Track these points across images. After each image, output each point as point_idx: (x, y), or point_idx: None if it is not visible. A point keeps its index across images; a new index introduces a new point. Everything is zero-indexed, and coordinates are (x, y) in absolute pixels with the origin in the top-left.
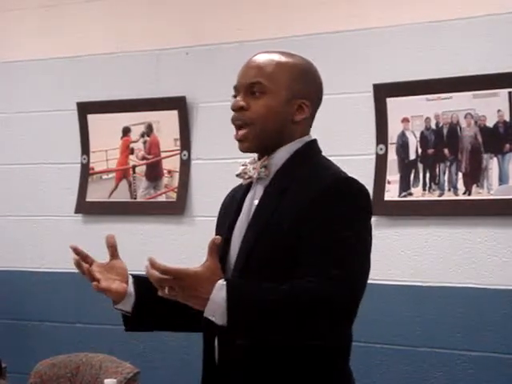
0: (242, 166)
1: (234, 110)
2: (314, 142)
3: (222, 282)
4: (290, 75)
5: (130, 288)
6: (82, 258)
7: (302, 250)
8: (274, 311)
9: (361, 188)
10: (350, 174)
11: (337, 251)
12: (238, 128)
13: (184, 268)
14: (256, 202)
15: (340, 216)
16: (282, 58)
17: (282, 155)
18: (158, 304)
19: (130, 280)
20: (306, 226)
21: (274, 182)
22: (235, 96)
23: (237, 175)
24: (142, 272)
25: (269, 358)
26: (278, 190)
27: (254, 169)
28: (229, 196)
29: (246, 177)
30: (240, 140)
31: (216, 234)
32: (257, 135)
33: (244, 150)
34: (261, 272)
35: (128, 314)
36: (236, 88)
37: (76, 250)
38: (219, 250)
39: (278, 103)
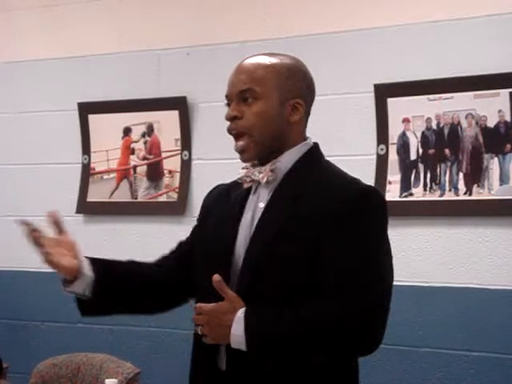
0: (243, 169)
1: (227, 120)
2: (317, 145)
3: (240, 315)
4: (279, 76)
5: (85, 269)
6: (33, 229)
7: (326, 266)
8: (292, 340)
9: (384, 199)
10: (350, 174)
11: (364, 271)
12: (236, 138)
13: (209, 304)
14: (261, 204)
15: (367, 231)
16: (269, 61)
17: (288, 159)
18: (118, 285)
19: (86, 261)
20: (331, 239)
21: (284, 186)
22: (228, 105)
23: (239, 179)
24: None
25: (279, 370)
26: (290, 196)
27: (259, 173)
28: (213, 194)
29: (249, 180)
30: (240, 152)
31: (194, 233)
32: (255, 144)
33: (245, 160)
34: (274, 275)
35: (84, 297)
36: (227, 97)
37: (24, 224)
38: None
39: (271, 107)
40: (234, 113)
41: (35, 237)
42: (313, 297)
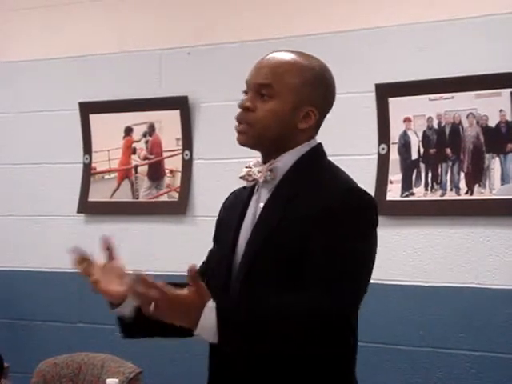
0: (246, 168)
1: (240, 108)
2: (320, 146)
3: (211, 305)
4: (301, 80)
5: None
6: (82, 258)
7: (307, 259)
8: (261, 328)
9: (370, 200)
10: (351, 174)
11: (339, 264)
12: (239, 124)
13: (174, 289)
14: (261, 204)
15: (347, 229)
16: (296, 61)
17: (288, 159)
18: None
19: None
20: (314, 235)
21: (281, 186)
22: (246, 92)
23: (240, 177)
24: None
25: (273, 366)
26: (286, 196)
27: (259, 172)
28: (230, 198)
29: (250, 179)
30: (239, 132)
31: (216, 236)
32: (255, 135)
33: (240, 142)
34: (266, 275)
35: (127, 319)
36: (247, 84)
37: (76, 251)
38: (223, 258)
39: (284, 109)
40: (247, 103)
41: (84, 266)
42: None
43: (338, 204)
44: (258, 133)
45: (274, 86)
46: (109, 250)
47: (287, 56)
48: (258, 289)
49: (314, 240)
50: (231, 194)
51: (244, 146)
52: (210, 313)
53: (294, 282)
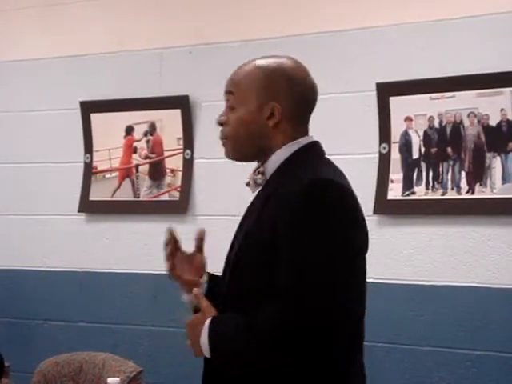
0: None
1: (217, 125)
2: (312, 143)
3: (206, 324)
4: (256, 81)
5: (205, 284)
6: (173, 239)
7: (276, 267)
8: (238, 351)
9: (323, 188)
10: (352, 173)
11: (305, 274)
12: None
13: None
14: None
15: (307, 229)
16: (252, 65)
17: (276, 159)
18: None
19: (205, 277)
20: (277, 240)
21: (265, 186)
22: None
23: (246, 184)
24: (142, 271)
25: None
26: (265, 195)
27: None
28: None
29: (251, 183)
30: (224, 147)
31: None
32: (233, 147)
33: (226, 156)
34: (245, 273)
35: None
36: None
37: (172, 233)
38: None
39: (248, 113)
40: (221, 118)
41: (171, 247)
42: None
43: (295, 200)
44: (234, 144)
45: (234, 94)
46: (200, 241)
47: (246, 64)
48: (239, 292)
49: (278, 245)
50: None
51: (232, 159)
52: (205, 331)
53: (268, 291)
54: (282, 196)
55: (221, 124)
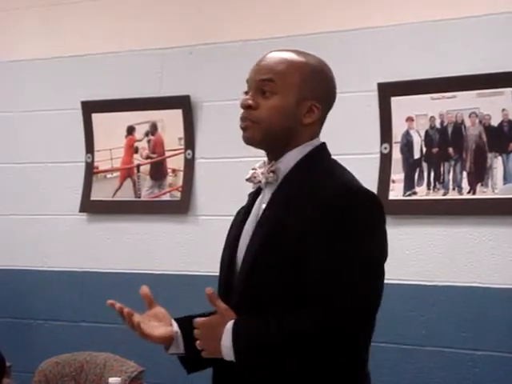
0: (252, 170)
1: (242, 107)
2: (323, 145)
3: (229, 327)
4: (302, 75)
5: (176, 329)
6: (122, 311)
7: (308, 269)
8: (275, 353)
9: (373, 200)
10: (354, 173)
11: (344, 275)
12: (244, 121)
13: (202, 318)
14: (264, 206)
15: (346, 232)
16: (295, 57)
17: (290, 159)
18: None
19: (174, 322)
20: (312, 241)
21: (282, 187)
22: (246, 92)
23: (247, 179)
24: (143, 271)
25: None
26: (284, 198)
27: (262, 174)
28: (247, 201)
29: (256, 181)
30: (244, 129)
31: (226, 238)
32: (262, 133)
33: (246, 139)
34: (266, 277)
35: (183, 355)
36: (248, 83)
37: (113, 306)
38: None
39: (287, 104)
40: (250, 101)
41: (128, 318)
42: (300, 300)
43: (332, 205)
44: (263, 129)
45: (276, 82)
46: (147, 298)
47: (286, 54)
48: (258, 295)
49: (312, 243)
50: (248, 195)
51: (250, 144)
52: (227, 334)
53: (298, 289)
54: (320, 198)
55: (248, 106)
